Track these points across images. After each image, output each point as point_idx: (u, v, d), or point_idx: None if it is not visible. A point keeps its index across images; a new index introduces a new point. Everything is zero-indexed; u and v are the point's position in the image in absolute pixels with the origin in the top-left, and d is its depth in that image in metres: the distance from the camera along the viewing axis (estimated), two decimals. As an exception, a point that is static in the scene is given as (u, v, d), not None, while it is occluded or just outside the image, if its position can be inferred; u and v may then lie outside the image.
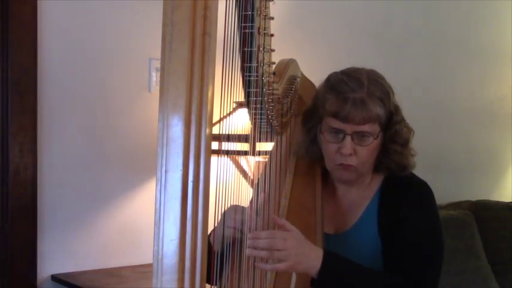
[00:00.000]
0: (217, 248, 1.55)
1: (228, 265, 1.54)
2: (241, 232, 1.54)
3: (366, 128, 1.59)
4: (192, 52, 0.96)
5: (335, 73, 1.68)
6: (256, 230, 1.52)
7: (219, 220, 1.51)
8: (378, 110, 1.60)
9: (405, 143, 1.67)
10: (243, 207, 1.57)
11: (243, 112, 2.27)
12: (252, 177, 2.48)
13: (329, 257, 1.48)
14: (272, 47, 1.48)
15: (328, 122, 1.63)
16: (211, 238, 1.56)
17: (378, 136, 1.62)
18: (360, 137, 1.60)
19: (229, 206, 1.52)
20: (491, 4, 3.71)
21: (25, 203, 2.33)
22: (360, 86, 1.60)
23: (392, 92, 1.66)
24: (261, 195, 1.59)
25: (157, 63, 2.59)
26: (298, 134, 1.78)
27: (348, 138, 1.60)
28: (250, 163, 2.51)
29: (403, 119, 1.68)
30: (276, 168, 1.75)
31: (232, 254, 1.55)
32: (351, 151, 1.61)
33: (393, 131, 1.65)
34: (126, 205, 2.58)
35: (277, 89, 1.62)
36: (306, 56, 2.10)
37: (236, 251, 1.55)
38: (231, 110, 2.26)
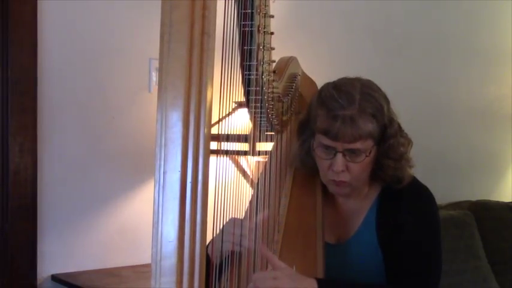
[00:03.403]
0: (215, 260, 1.52)
1: (226, 275, 1.53)
2: (240, 245, 1.52)
3: (357, 145, 1.55)
4: (191, 52, 0.96)
5: (327, 86, 1.63)
6: (255, 243, 1.50)
7: (217, 232, 1.49)
8: (369, 127, 1.54)
9: (399, 158, 1.62)
10: (241, 220, 1.54)
11: (243, 112, 2.27)
12: (252, 177, 2.48)
13: (323, 284, 1.46)
14: (272, 46, 1.47)
15: (319, 139, 1.59)
16: (209, 250, 1.55)
17: (370, 152, 1.58)
18: (351, 153, 1.57)
19: (228, 219, 1.49)
20: (491, 4, 3.71)
21: (25, 203, 2.33)
22: (351, 102, 1.54)
23: (387, 103, 1.61)
24: (263, 213, 1.56)
25: (157, 63, 2.56)
26: (294, 144, 1.75)
27: (339, 156, 1.56)
28: (250, 163, 2.51)
29: (398, 132, 1.63)
30: (276, 167, 1.74)
31: (231, 265, 1.53)
32: (343, 168, 1.57)
33: (387, 146, 1.60)
34: (126, 205, 2.58)
35: (277, 88, 1.61)
36: (306, 56, 2.10)
37: (235, 262, 1.54)
38: (231, 110, 2.26)
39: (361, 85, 1.59)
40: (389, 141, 1.60)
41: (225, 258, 1.53)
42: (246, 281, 1.48)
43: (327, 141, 1.57)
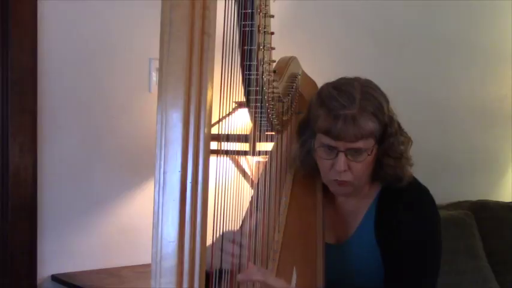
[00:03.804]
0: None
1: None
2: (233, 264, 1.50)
3: (359, 144, 1.56)
4: (191, 52, 0.95)
5: (326, 86, 1.63)
6: (249, 253, 1.50)
7: (217, 232, 1.47)
8: (371, 126, 1.55)
9: (399, 156, 1.63)
10: (233, 233, 1.51)
11: (243, 112, 2.26)
12: (252, 177, 2.48)
13: None
14: (272, 46, 1.47)
15: (321, 139, 1.59)
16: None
17: (372, 151, 1.58)
18: (353, 153, 1.57)
19: (228, 219, 1.44)
20: (491, 4, 3.71)
21: (25, 203, 2.33)
22: (351, 101, 1.54)
23: (387, 102, 1.61)
24: (252, 218, 1.55)
25: (157, 63, 2.55)
26: (294, 145, 1.75)
27: (341, 155, 1.56)
28: (250, 163, 2.51)
29: (398, 130, 1.64)
30: (276, 167, 1.74)
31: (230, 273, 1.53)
32: (345, 167, 1.57)
33: (387, 145, 1.61)
34: (126, 205, 2.58)
35: (278, 88, 1.61)
36: (306, 56, 2.10)
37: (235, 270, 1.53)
38: (231, 110, 2.26)
39: (361, 85, 1.59)
40: (389, 139, 1.61)
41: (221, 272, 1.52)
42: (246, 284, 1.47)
43: (328, 141, 1.57)
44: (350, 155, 1.57)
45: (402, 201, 1.64)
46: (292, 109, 1.77)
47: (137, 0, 2.51)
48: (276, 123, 1.65)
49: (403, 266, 1.58)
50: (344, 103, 1.54)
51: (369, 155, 1.58)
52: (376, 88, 1.61)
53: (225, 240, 1.49)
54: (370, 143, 1.57)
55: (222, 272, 1.47)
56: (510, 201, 3.59)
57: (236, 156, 2.38)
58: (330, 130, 1.55)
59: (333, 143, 1.56)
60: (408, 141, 1.66)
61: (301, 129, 1.71)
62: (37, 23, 2.33)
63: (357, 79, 1.62)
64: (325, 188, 1.73)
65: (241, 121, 2.34)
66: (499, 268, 3.15)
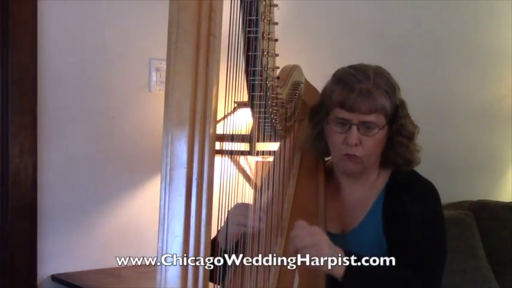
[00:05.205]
0: (222, 246, 1.56)
1: (231, 265, 1.54)
2: (246, 226, 1.56)
3: (371, 118, 1.62)
4: (197, 52, 0.98)
5: (342, 68, 1.72)
6: (259, 228, 1.53)
7: (224, 219, 1.51)
8: (384, 101, 1.63)
9: (411, 136, 1.70)
10: (246, 203, 1.59)
11: (245, 112, 2.27)
12: (253, 177, 2.48)
13: (349, 272, 1.47)
14: (276, 53, 1.50)
15: (335, 113, 1.65)
16: (219, 237, 1.57)
17: (383, 127, 1.64)
18: (365, 127, 1.63)
19: (233, 205, 1.53)
20: (491, 4, 3.72)
21: (25, 203, 2.33)
22: (367, 77, 1.63)
23: (398, 88, 1.69)
24: (265, 196, 1.60)
25: (157, 63, 2.59)
26: (305, 129, 1.80)
27: (354, 128, 1.62)
28: (251, 163, 2.51)
29: (408, 115, 1.71)
30: (279, 172, 1.75)
31: (235, 254, 1.55)
32: (357, 141, 1.63)
33: (399, 124, 1.67)
34: (125, 205, 2.58)
35: (281, 94, 1.64)
36: (308, 59, 2.11)
37: (239, 251, 1.55)
38: (232, 109, 2.26)
39: (374, 68, 1.69)
40: (401, 120, 1.68)
41: (231, 246, 1.55)
42: (249, 274, 1.49)
43: (342, 114, 1.63)
44: (362, 129, 1.63)
45: (411, 192, 1.68)
46: (295, 116, 1.80)
47: (137, 0, 2.51)
48: (280, 128, 1.68)
49: (411, 256, 1.59)
50: (360, 78, 1.63)
51: (380, 129, 1.63)
52: (388, 73, 1.71)
53: (237, 208, 1.56)
54: (381, 119, 1.63)
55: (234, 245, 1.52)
56: (510, 201, 3.59)
57: (237, 157, 2.38)
58: (344, 102, 1.62)
59: (346, 115, 1.62)
60: (415, 127, 1.73)
61: (313, 113, 1.76)
62: (37, 23, 2.33)
63: (369, 64, 1.72)
64: (331, 179, 1.77)
65: (242, 121, 2.34)
66: (499, 268, 3.15)
